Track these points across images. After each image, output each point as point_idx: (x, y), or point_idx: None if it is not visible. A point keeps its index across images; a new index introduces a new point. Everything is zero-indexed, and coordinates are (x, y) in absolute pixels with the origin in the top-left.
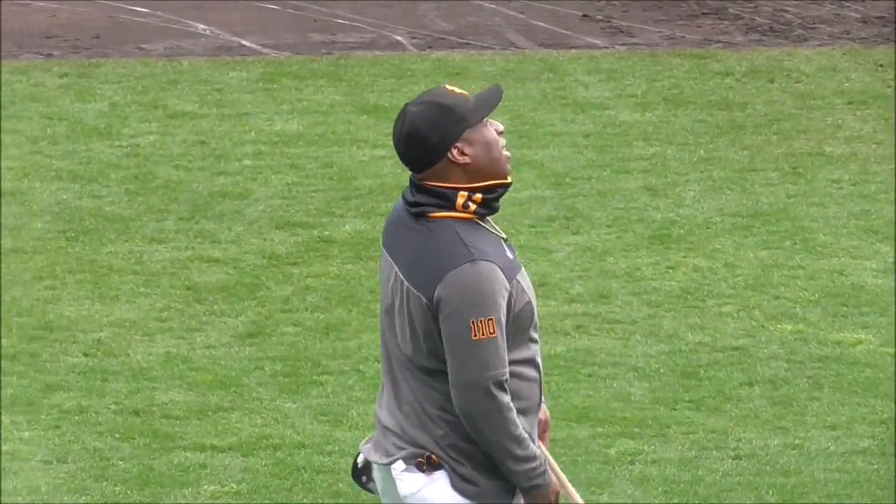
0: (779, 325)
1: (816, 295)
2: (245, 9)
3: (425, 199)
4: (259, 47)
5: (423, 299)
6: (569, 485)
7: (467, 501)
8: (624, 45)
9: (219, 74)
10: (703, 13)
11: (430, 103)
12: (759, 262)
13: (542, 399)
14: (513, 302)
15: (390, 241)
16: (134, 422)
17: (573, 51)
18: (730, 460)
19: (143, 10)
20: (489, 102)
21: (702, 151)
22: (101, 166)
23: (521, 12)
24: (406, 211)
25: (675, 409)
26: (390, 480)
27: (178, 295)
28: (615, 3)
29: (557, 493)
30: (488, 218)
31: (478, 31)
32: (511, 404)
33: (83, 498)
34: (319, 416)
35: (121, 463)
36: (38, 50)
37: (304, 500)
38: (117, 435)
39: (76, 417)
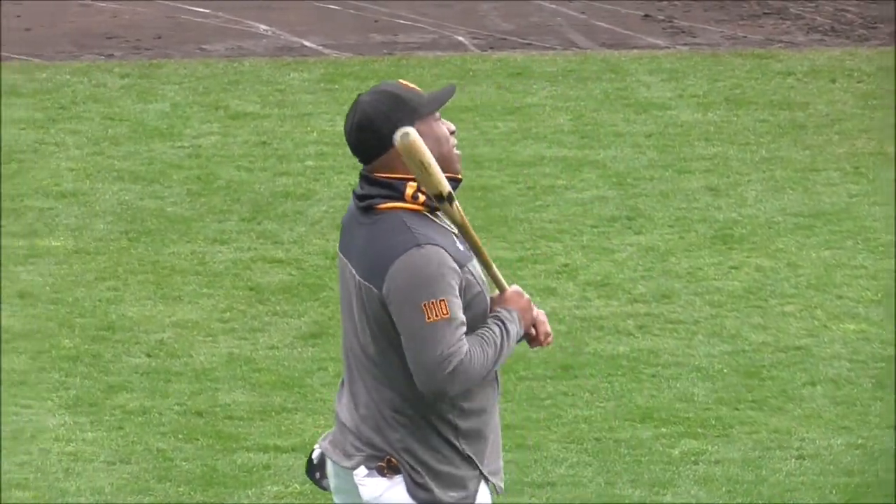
0: (841, 325)
1: (879, 294)
2: (306, 9)
3: (375, 190)
4: (320, 48)
5: (374, 290)
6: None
7: None
8: (685, 45)
9: (280, 75)
10: (765, 13)
11: (383, 93)
12: (822, 262)
13: (499, 391)
14: (463, 286)
15: (344, 242)
16: (197, 423)
17: (635, 51)
18: (793, 460)
19: (204, 10)
20: (441, 97)
21: (763, 151)
22: (163, 167)
23: (583, 12)
24: (356, 207)
25: (738, 409)
26: (349, 482)
27: (241, 296)
28: (677, 3)
29: (533, 321)
30: (439, 214)
31: (539, 31)
32: (474, 362)
33: (147, 499)
34: None
35: (184, 464)
36: (99, 51)
37: None
38: (181, 436)
39: (139, 418)
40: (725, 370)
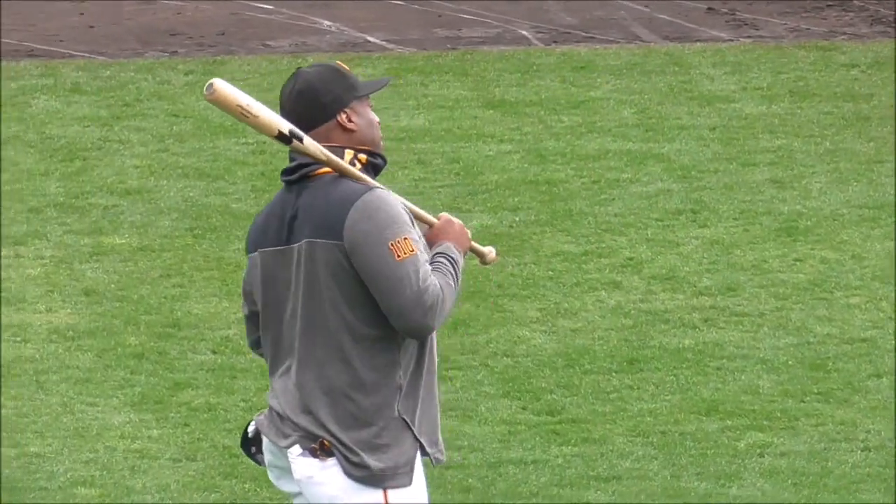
0: None
1: None
2: (370, 5)
3: (309, 159)
4: (384, 43)
5: (332, 242)
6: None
7: (360, 486)
8: (749, 37)
9: None
10: (828, 5)
11: (326, 67)
12: (887, 254)
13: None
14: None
15: (258, 237)
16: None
17: (698, 44)
18: (859, 452)
19: (267, 6)
20: (377, 84)
21: (828, 143)
22: (228, 163)
23: (646, 6)
24: (286, 188)
25: (803, 402)
26: (284, 460)
27: None
28: None
29: (470, 243)
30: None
31: (603, 24)
32: (445, 294)
33: (212, 496)
34: (448, 412)
35: (249, 460)
36: (163, 48)
37: (434, 496)
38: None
39: (205, 415)
40: (791, 362)
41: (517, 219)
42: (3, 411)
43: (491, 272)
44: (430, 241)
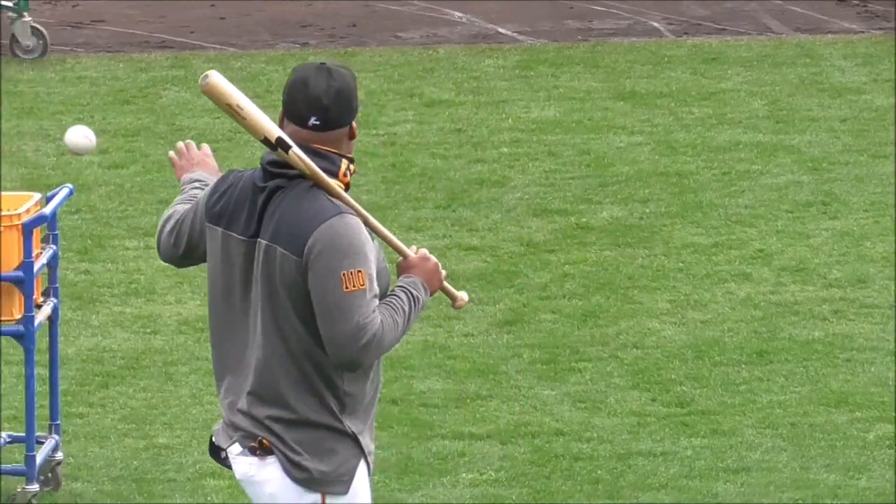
0: None
1: None
2: None
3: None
4: (515, 34)
5: (293, 258)
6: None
7: (298, 487)
8: (880, 29)
9: (475, 62)
10: None
11: (351, 74)
12: None
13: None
14: (376, 259)
15: (235, 221)
16: (392, 410)
17: (829, 36)
18: None
19: None
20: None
21: None
22: (359, 155)
23: None
24: (263, 174)
25: None
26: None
27: None
28: None
29: (441, 283)
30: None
31: (734, 16)
32: (386, 332)
33: (372, 494)
34: (578, 403)
35: (379, 452)
36: (294, 39)
37: (563, 488)
38: (376, 424)
39: None
40: None
41: (647, 210)
42: (133, 403)
43: (621, 264)
44: (401, 272)
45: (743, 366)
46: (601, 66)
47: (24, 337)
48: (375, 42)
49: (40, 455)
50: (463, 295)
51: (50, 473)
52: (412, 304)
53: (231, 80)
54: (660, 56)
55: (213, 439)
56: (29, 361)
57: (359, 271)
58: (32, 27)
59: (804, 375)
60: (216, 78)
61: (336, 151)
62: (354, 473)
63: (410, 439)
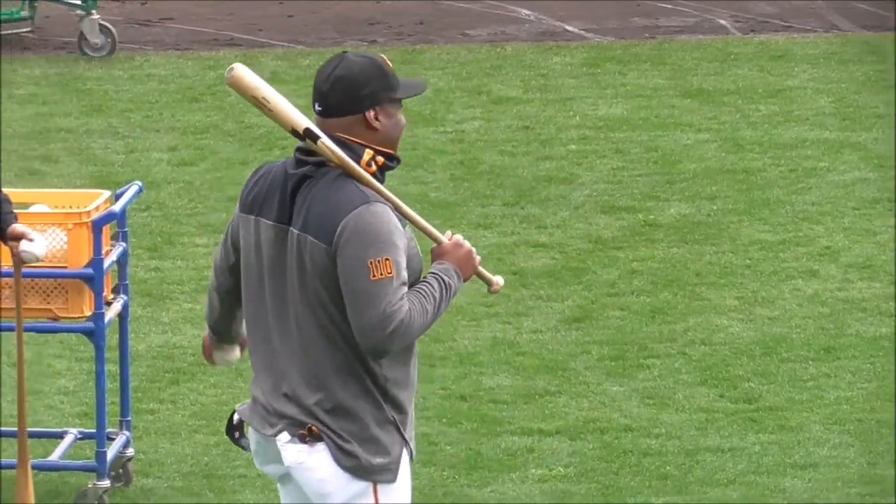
0: None
1: None
2: None
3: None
4: (582, 32)
5: (322, 245)
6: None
7: (348, 475)
8: None
9: (543, 59)
10: None
11: (371, 60)
12: None
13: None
14: (406, 247)
15: (267, 208)
16: (461, 407)
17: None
18: None
19: None
20: (415, 87)
21: None
22: (427, 152)
23: None
24: (295, 165)
25: None
26: (271, 448)
27: (505, 280)
28: None
29: (475, 269)
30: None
31: (800, 13)
32: (414, 320)
33: (412, 482)
34: (646, 399)
35: (448, 448)
36: (361, 37)
37: (631, 483)
38: (445, 420)
39: None
40: None
41: (714, 207)
42: (203, 399)
43: (689, 261)
44: (434, 259)
45: (810, 362)
46: (668, 63)
47: (94, 334)
48: (443, 40)
49: (111, 451)
50: (498, 279)
51: (121, 469)
52: (444, 290)
53: (298, 77)
54: (726, 53)
55: (236, 418)
56: (99, 358)
57: (386, 259)
58: (101, 25)
59: (871, 372)
60: (241, 70)
61: (357, 140)
62: (400, 461)
63: (480, 435)
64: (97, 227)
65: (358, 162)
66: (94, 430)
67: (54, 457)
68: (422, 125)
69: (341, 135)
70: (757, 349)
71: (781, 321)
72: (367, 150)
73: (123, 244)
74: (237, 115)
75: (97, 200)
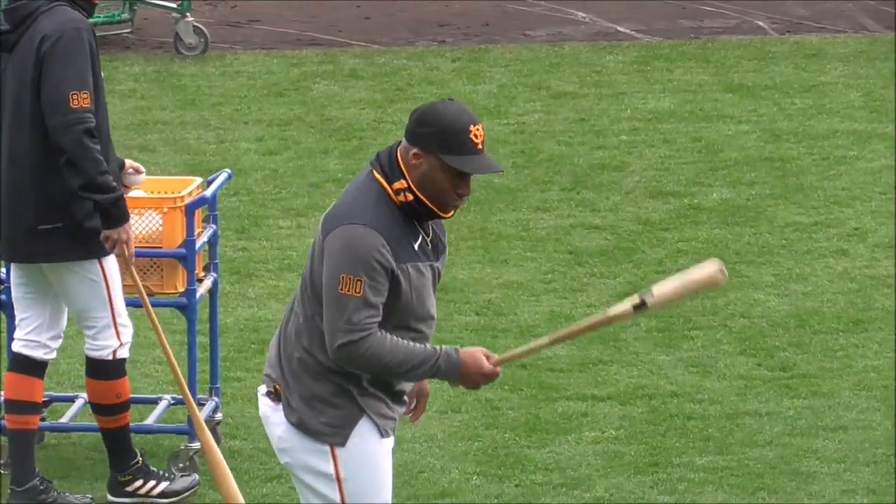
0: None
1: None
2: None
3: (384, 159)
4: (633, 33)
5: (321, 238)
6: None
7: (300, 433)
8: None
9: (597, 58)
10: None
11: (455, 117)
12: None
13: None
14: (393, 278)
15: None
16: (522, 374)
17: None
18: None
19: None
20: (470, 164)
21: None
22: (491, 143)
23: None
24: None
25: None
26: None
27: (562, 259)
28: None
29: (477, 386)
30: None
31: (832, 15)
32: (372, 351)
33: (475, 444)
34: (690, 368)
35: (510, 412)
36: (432, 37)
37: (677, 444)
38: (507, 387)
39: None
40: None
41: (753, 192)
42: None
43: (729, 241)
44: (460, 350)
45: (840, 333)
46: (711, 61)
47: (186, 308)
48: (506, 40)
49: (202, 415)
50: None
51: (211, 432)
52: (426, 364)
53: (374, 74)
54: (765, 52)
55: None
56: (191, 331)
57: (358, 280)
58: (194, 27)
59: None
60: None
61: (402, 167)
62: (352, 428)
63: (538, 401)
64: (190, 210)
65: (390, 181)
66: None
67: (149, 421)
68: (487, 118)
69: (399, 153)
70: (791, 322)
71: (814, 296)
72: (401, 181)
73: (214, 226)
74: (318, 109)
75: (190, 186)
